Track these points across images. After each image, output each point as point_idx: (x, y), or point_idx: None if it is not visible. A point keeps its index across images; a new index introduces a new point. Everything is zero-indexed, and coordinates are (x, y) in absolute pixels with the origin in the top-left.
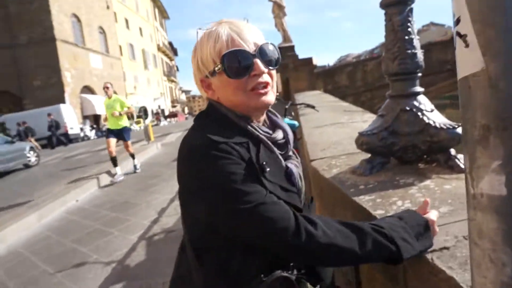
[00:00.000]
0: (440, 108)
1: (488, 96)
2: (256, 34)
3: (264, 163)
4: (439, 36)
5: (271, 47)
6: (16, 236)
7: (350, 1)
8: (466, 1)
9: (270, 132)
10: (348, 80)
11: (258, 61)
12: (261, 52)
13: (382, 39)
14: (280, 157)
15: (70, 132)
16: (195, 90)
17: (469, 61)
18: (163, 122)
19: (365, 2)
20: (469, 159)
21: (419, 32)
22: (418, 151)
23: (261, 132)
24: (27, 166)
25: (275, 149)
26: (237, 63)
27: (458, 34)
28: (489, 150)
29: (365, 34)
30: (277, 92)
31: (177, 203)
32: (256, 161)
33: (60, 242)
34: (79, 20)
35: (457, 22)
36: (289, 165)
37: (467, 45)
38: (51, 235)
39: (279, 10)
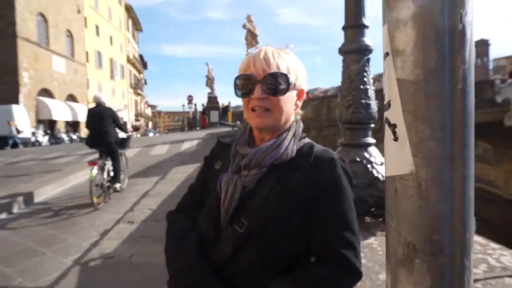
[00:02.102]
0: None
1: (416, 208)
2: (274, 63)
3: (219, 161)
4: None
5: (279, 78)
6: None
7: (322, 37)
8: (397, 81)
9: (243, 146)
10: (313, 114)
11: (258, 87)
12: (265, 80)
13: None
14: (233, 165)
15: (20, 135)
16: (162, 105)
17: (397, 158)
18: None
19: (336, 40)
20: (391, 279)
21: (379, 77)
22: (365, 205)
23: (235, 143)
24: None
25: (236, 160)
26: (242, 85)
27: (387, 121)
28: (414, 276)
29: (334, 70)
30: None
31: (122, 226)
32: (216, 156)
33: None
34: (45, 20)
35: (388, 106)
36: (225, 173)
37: (396, 138)
38: None
39: (252, 38)
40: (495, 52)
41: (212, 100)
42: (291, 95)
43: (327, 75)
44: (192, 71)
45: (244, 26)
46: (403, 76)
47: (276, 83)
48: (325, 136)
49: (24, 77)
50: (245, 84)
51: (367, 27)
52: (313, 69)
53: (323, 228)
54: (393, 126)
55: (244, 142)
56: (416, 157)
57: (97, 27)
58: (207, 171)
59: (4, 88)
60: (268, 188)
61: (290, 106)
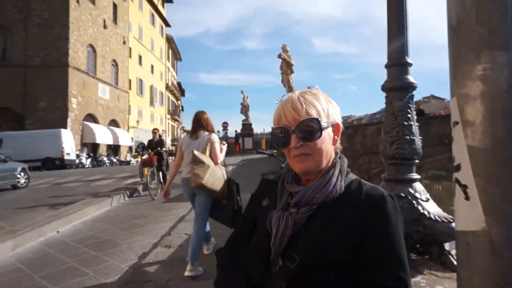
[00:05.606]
0: (436, 179)
1: (489, 262)
2: (302, 109)
3: (266, 198)
4: (438, 109)
5: (310, 123)
6: None
7: (355, 65)
8: (468, 148)
9: (291, 184)
10: (348, 142)
11: (293, 137)
12: (297, 128)
13: (383, 106)
14: (282, 202)
15: (66, 157)
16: None
17: (469, 215)
18: None
19: (369, 67)
20: None
21: (419, 103)
22: (410, 241)
23: (281, 180)
24: (14, 187)
25: (284, 197)
26: (279, 137)
27: (458, 182)
28: None
29: (368, 97)
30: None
31: (159, 249)
32: (262, 193)
33: (29, 277)
34: (94, 51)
35: (457, 168)
36: (274, 210)
37: (467, 198)
38: (22, 267)
39: (287, 67)
40: None
41: (247, 127)
42: (327, 134)
43: (361, 102)
44: (227, 99)
45: (279, 56)
46: (473, 144)
47: (308, 129)
48: (360, 165)
49: (73, 103)
50: (281, 136)
51: (410, 65)
52: (348, 97)
53: (375, 265)
54: (463, 187)
55: (291, 179)
56: (488, 216)
57: (140, 57)
58: (254, 208)
59: (55, 113)
60: (320, 225)
61: (329, 144)
